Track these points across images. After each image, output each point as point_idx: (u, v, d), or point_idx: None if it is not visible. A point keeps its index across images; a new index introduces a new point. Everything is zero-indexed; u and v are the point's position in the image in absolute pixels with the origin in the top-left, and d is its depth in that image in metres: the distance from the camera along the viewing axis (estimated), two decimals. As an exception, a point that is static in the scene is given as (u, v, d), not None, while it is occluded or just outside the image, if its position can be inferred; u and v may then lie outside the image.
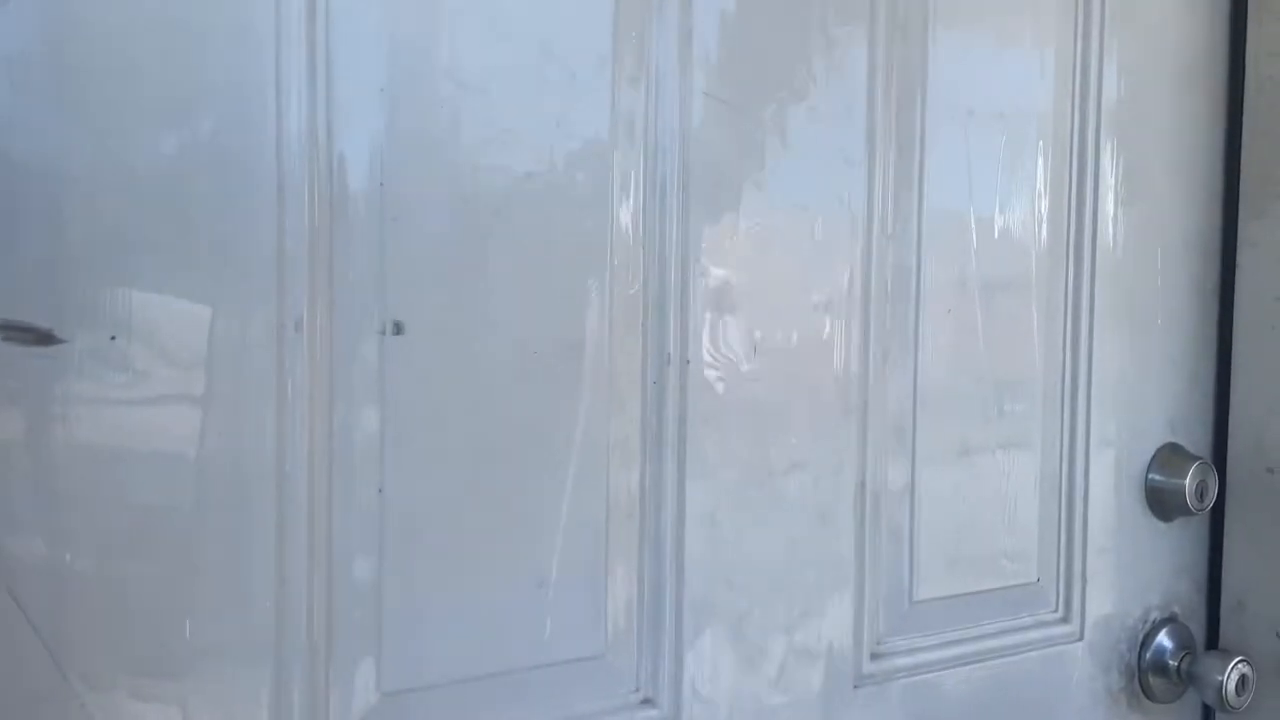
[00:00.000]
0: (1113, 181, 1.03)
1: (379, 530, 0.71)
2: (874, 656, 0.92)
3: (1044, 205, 0.99)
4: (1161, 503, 1.07)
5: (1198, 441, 1.10)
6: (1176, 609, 1.10)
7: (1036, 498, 1.01)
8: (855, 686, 0.90)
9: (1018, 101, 0.97)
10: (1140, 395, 1.06)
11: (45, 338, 0.61)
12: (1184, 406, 1.10)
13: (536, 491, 0.76)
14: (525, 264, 0.75)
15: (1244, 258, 1.08)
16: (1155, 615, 1.09)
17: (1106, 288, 1.03)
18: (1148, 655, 1.08)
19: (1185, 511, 1.07)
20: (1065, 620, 1.03)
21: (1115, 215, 1.03)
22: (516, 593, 0.76)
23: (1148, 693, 1.08)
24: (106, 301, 0.62)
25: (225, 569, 0.66)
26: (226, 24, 0.65)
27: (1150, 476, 1.07)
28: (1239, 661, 1.05)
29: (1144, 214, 1.05)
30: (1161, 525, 1.09)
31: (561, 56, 0.75)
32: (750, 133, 0.83)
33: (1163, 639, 1.08)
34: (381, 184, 0.69)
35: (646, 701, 0.82)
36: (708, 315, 0.82)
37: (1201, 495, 1.06)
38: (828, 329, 0.87)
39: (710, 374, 0.82)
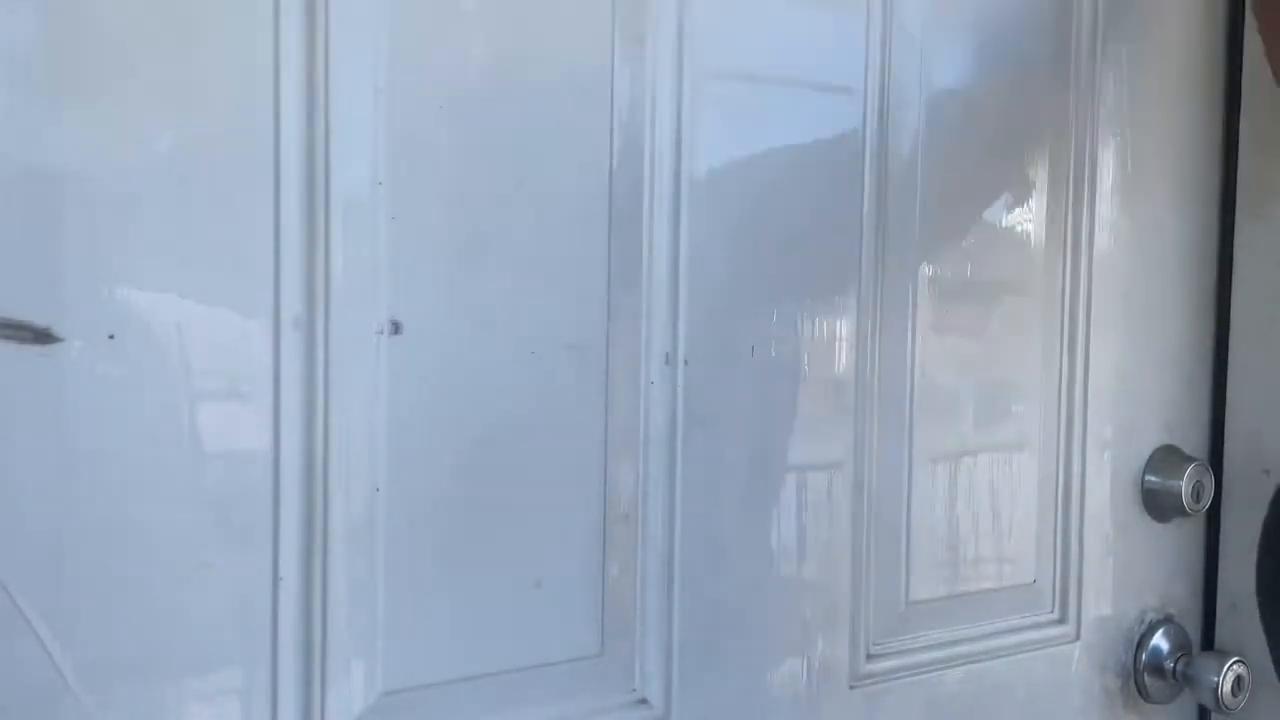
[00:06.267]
0: (1110, 183, 1.03)
1: (376, 529, 0.70)
2: (870, 657, 0.92)
3: (1041, 206, 0.99)
4: (1158, 504, 1.07)
5: (1194, 443, 1.10)
6: (1173, 610, 1.11)
7: (1033, 499, 1.01)
8: (851, 687, 0.90)
9: (1015, 101, 0.97)
10: (1137, 396, 1.06)
11: (43, 336, 0.60)
12: (1180, 408, 1.10)
13: (534, 491, 0.76)
14: (523, 264, 0.75)
15: (1241, 259, 1.08)
16: (1151, 616, 1.09)
17: (1103, 289, 1.03)
18: (1144, 656, 1.08)
19: (1181, 513, 1.07)
20: (1062, 621, 1.03)
21: (1112, 216, 1.03)
22: (513, 592, 0.76)
23: (1144, 693, 1.09)
24: (104, 300, 0.62)
25: (221, 568, 0.66)
26: (225, 22, 0.65)
27: (1146, 478, 1.07)
28: (1234, 662, 1.06)
29: (1141, 215, 1.05)
30: (1158, 526, 1.09)
31: (560, 55, 0.75)
32: (748, 129, 0.83)
33: (1159, 640, 1.09)
34: (380, 183, 0.69)
35: (643, 701, 0.81)
36: (706, 316, 0.82)
37: (1197, 496, 1.07)
38: (824, 330, 0.87)
39: (708, 374, 0.82)
